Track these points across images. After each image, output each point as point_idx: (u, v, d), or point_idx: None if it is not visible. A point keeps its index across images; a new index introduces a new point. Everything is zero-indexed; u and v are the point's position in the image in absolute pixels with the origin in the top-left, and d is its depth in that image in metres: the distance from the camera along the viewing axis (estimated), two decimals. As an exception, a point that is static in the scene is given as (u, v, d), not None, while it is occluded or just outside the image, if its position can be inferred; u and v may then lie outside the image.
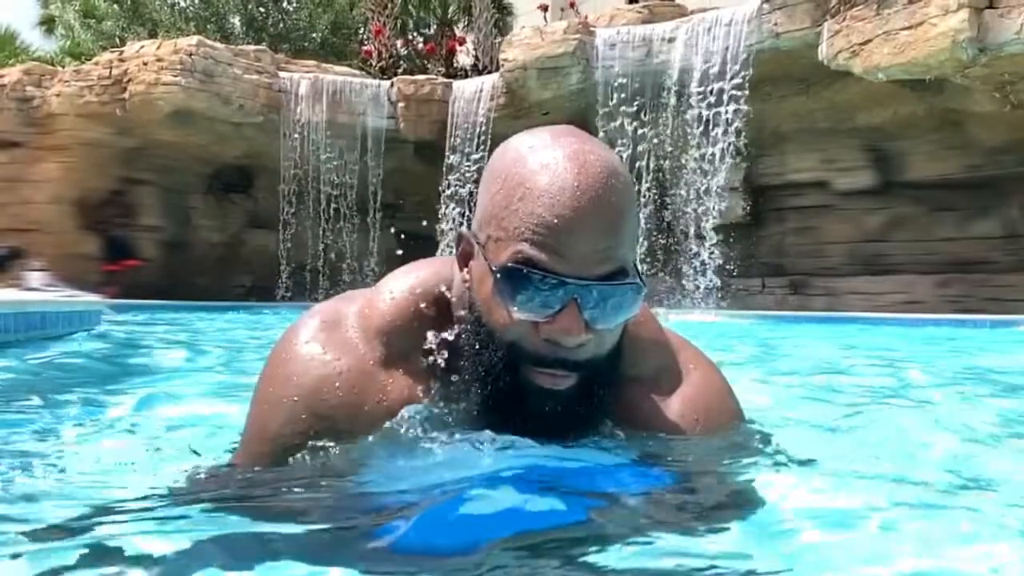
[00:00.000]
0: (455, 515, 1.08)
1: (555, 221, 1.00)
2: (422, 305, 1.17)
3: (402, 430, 1.15)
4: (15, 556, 0.98)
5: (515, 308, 1.03)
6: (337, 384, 1.12)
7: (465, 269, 1.13)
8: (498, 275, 1.03)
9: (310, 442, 1.12)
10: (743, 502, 1.08)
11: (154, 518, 1.10)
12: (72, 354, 4.86)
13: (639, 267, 1.08)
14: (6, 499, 1.28)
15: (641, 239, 12.64)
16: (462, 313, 1.12)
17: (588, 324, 1.02)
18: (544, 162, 1.04)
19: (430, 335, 1.15)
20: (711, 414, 1.25)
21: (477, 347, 1.08)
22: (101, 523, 1.11)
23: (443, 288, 1.17)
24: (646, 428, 1.21)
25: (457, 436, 1.15)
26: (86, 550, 1.00)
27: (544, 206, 1.01)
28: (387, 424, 1.14)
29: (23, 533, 1.10)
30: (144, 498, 1.21)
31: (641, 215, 12.68)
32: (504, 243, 1.03)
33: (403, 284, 1.20)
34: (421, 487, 1.12)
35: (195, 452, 1.52)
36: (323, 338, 1.16)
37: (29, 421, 2.26)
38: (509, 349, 1.05)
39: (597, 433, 1.20)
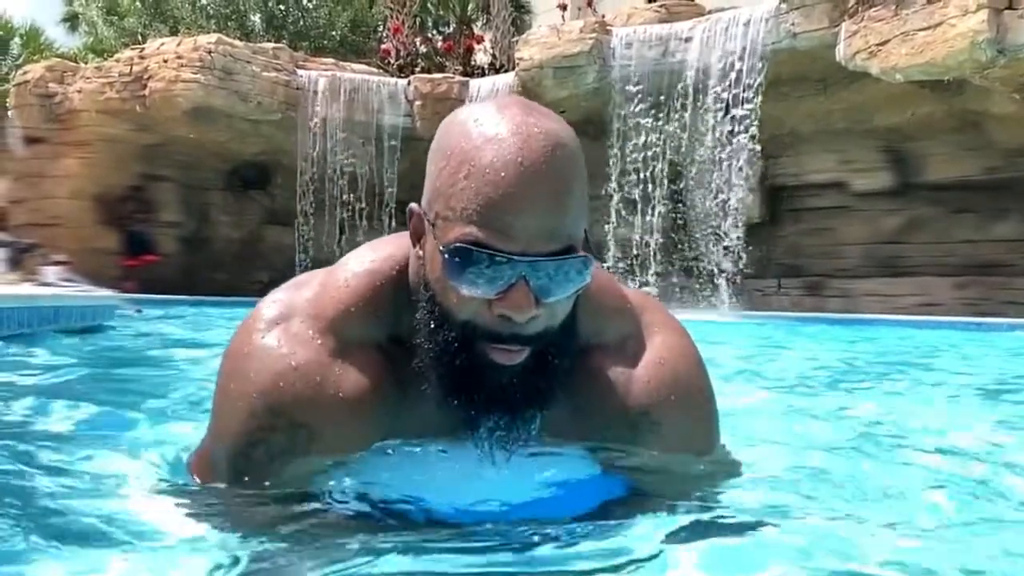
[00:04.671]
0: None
1: (499, 199, 1.00)
2: (377, 289, 1.18)
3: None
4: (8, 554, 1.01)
5: (464, 288, 1.03)
6: (293, 380, 1.14)
7: (418, 246, 1.13)
8: (446, 255, 1.03)
9: (271, 436, 1.14)
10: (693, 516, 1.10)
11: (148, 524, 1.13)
12: (88, 348, 4.92)
13: (589, 236, 1.08)
14: (6, 493, 1.31)
15: (657, 238, 12.64)
16: (420, 291, 1.13)
17: (538, 299, 1.03)
18: (488, 136, 1.03)
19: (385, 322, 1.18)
20: (678, 379, 1.24)
21: (432, 326, 1.08)
22: (97, 522, 1.14)
23: (399, 269, 1.19)
24: (611, 396, 1.21)
25: (418, 451, 1.17)
26: (72, 549, 1.04)
27: (489, 184, 1.00)
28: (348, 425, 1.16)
29: (19, 527, 1.13)
30: (145, 499, 1.24)
31: (657, 215, 12.68)
32: (452, 223, 1.03)
33: (357, 268, 1.21)
34: (394, 500, 1.15)
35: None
36: (278, 331, 1.18)
37: (37, 415, 2.29)
38: (463, 327, 1.06)
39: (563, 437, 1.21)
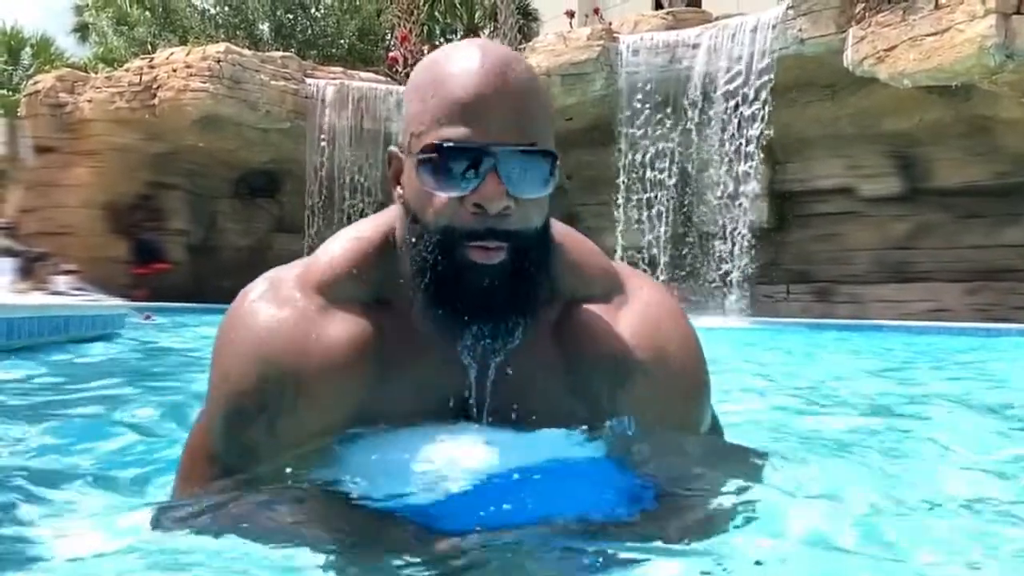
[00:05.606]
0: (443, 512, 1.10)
1: (465, 97, 1.09)
2: (362, 252, 1.23)
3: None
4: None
5: (438, 187, 1.09)
6: (280, 330, 1.20)
7: (399, 186, 1.19)
8: (419, 159, 1.10)
9: (262, 387, 1.18)
10: (724, 523, 1.09)
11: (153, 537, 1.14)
12: (98, 357, 4.94)
13: (558, 154, 1.14)
14: (10, 503, 1.32)
15: (664, 243, 12.64)
16: (403, 221, 1.18)
17: (510, 192, 1.08)
18: (451, 58, 1.14)
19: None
20: (665, 325, 1.27)
21: (413, 240, 1.14)
22: (106, 530, 1.15)
23: (386, 232, 1.23)
24: (598, 341, 1.24)
25: (442, 436, 1.17)
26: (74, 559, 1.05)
27: (454, 87, 1.09)
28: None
29: (19, 538, 1.14)
30: (148, 507, 1.25)
31: (664, 220, 12.68)
32: (424, 135, 1.10)
33: (342, 238, 1.27)
34: (410, 484, 1.15)
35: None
36: (269, 295, 1.24)
37: (46, 424, 2.31)
38: (443, 233, 1.11)
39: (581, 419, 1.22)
